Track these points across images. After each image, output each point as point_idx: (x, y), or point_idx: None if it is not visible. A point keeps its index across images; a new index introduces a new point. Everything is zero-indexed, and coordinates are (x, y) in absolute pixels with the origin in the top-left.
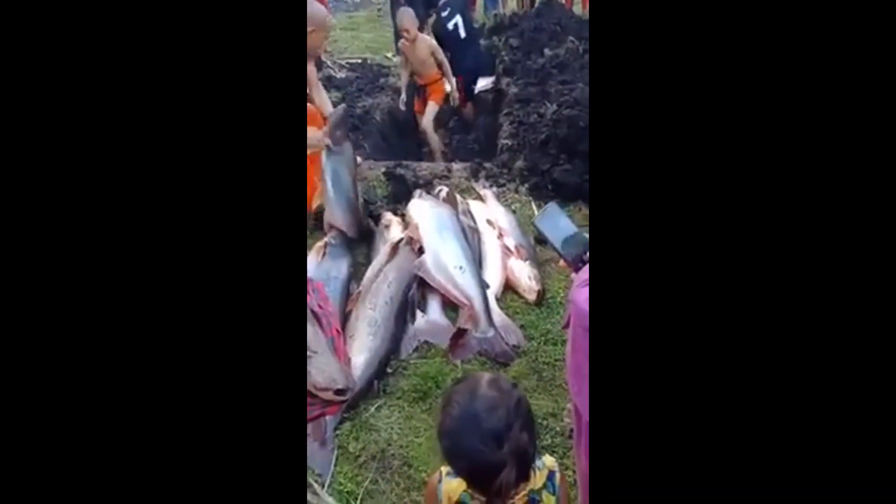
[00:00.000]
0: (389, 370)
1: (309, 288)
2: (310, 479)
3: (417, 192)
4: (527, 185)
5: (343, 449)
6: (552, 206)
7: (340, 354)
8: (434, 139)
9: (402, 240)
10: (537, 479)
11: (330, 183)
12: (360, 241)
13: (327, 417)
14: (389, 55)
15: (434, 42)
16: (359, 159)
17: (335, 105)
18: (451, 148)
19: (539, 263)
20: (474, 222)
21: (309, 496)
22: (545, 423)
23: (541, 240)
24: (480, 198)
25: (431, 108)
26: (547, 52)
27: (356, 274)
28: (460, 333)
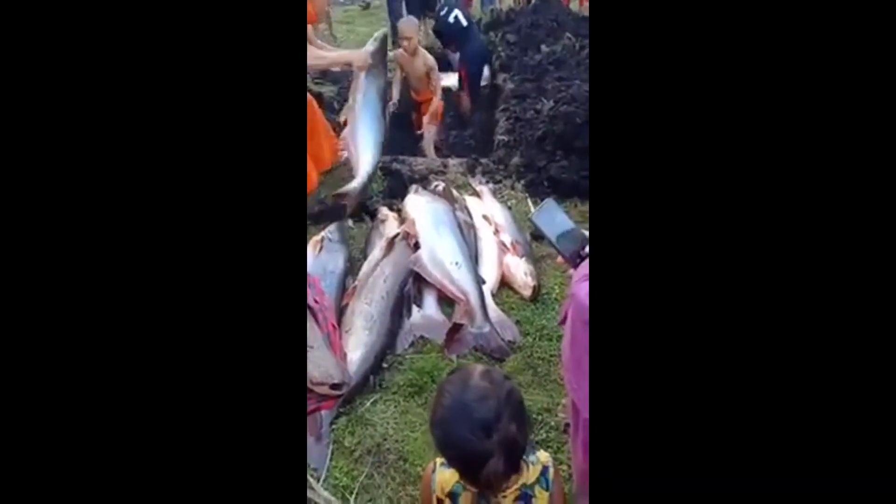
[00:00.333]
0: (385, 365)
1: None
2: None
3: (413, 187)
4: (523, 182)
5: (339, 443)
6: (549, 202)
7: (336, 349)
8: (432, 156)
9: (398, 235)
10: (530, 474)
11: (361, 99)
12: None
13: (323, 412)
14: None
15: (432, 60)
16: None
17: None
18: (447, 144)
19: (535, 260)
20: (471, 218)
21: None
22: (539, 418)
23: (537, 236)
24: (477, 194)
25: (429, 131)
26: (544, 48)
27: (352, 269)
28: (456, 329)
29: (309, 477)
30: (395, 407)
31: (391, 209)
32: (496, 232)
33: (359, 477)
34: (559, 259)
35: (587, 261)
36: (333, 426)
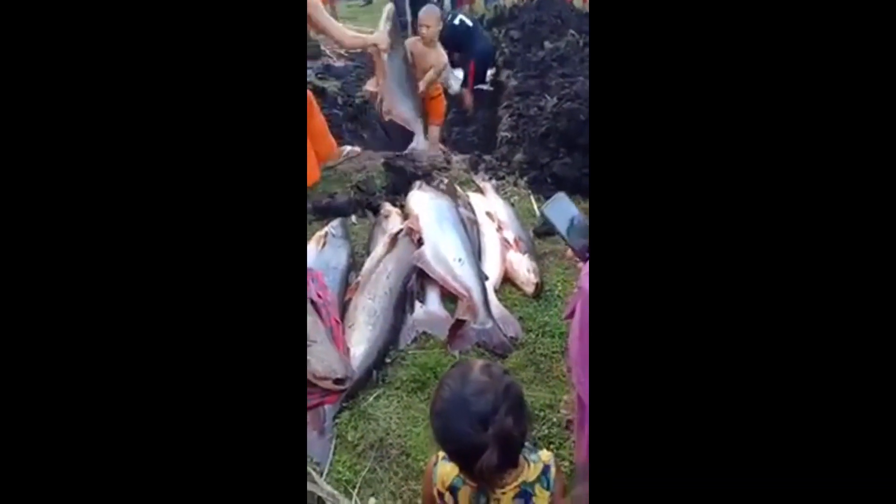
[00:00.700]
0: (388, 360)
1: (308, 277)
2: (308, 468)
3: (417, 183)
4: (526, 179)
5: (341, 438)
6: (560, 196)
7: (339, 344)
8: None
9: (401, 231)
10: (530, 472)
11: (390, 75)
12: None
13: (326, 406)
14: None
15: (445, 58)
16: (357, 148)
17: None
18: (450, 141)
19: (537, 256)
20: (474, 214)
21: (307, 485)
22: (542, 414)
23: (541, 232)
24: (480, 190)
25: (434, 131)
26: (547, 44)
27: (356, 264)
28: (459, 324)
29: (312, 471)
30: (398, 402)
31: (394, 205)
32: (499, 228)
33: (361, 471)
34: (569, 252)
35: None
36: (336, 421)
